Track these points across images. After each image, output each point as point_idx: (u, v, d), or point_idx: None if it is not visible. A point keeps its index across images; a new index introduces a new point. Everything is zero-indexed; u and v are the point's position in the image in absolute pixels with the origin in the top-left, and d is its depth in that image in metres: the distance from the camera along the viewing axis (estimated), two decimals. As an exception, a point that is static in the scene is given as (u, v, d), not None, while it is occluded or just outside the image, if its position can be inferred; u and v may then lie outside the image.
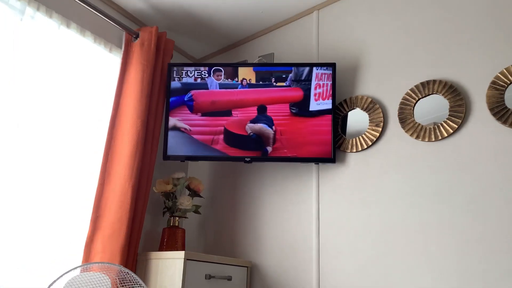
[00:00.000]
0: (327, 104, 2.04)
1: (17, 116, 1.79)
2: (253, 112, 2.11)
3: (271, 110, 2.09)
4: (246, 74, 2.16)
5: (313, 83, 2.08)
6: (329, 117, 2.03)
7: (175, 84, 2.20)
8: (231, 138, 2.11)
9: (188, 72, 2.21)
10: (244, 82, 2.13)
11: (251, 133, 2.03)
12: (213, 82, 2.17)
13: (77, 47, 2.08)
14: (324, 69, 2.08)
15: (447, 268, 1.61)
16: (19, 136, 1.79)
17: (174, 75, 2.22)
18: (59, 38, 2.00)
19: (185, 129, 2.13)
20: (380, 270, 1.78)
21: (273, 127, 2.06)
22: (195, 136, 2.13)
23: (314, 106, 2.05)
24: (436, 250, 1.66)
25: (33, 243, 1.78)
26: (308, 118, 2.05)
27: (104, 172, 2.04)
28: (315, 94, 2.06)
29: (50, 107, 1.93)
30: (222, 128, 2.12)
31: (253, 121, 2.09)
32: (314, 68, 2.08)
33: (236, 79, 2.16)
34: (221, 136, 2.11)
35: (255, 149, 2.07)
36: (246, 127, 2.07)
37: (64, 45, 2.02)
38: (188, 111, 2.16)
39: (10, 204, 1.72)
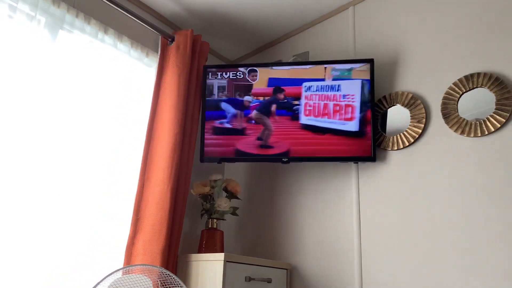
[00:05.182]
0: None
1: (56, 121, 1.83)
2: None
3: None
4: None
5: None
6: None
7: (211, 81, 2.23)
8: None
9: (224, 73, 2.21)
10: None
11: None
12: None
13: (115, 52, 2.11)
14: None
15: (498, 270, 1.53)
16: (59, 143, 1.83)
17: (210, 77, 2.22)
18: (98, 45, 2.04)
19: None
20: (427, 273, 1.71)
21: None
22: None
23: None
24: (486, 251, 1.58)
25: (76, 246, 1.81)
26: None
27: (143, 175, 2.06)
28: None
29: (91, 111, 1.96)
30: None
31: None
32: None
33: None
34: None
35: None
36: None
37: (103, 51, 2.06)
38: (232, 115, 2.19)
39: (55, 208, 1.76)
